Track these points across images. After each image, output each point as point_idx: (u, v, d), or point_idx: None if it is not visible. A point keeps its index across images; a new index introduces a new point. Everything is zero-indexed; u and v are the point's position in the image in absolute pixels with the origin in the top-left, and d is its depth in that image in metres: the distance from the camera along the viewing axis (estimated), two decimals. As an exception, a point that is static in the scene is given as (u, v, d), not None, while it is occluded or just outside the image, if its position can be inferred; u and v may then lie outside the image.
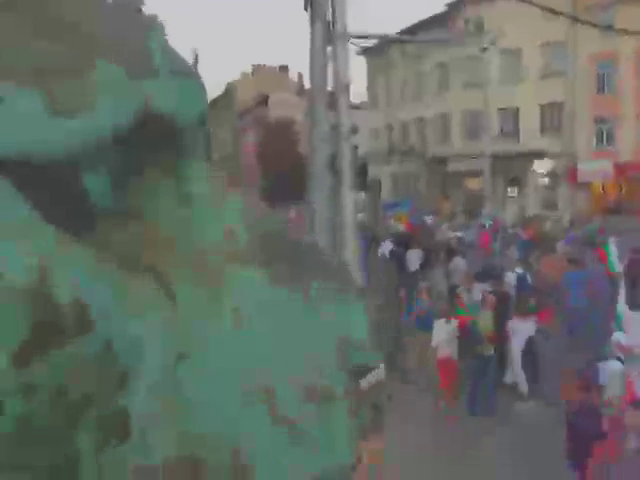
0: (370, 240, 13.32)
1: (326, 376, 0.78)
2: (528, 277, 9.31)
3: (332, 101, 8.20)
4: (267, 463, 0.69)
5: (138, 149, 0.64)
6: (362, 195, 29.78)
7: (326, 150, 8.35)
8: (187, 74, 0.71)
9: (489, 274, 9.09)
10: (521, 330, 7.48)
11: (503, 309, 7.69)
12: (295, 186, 35.30)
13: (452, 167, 33.48)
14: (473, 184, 30.27)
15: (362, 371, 0.86)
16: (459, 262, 10.86)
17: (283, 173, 40.52)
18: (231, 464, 0.66)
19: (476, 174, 25.72)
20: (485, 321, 7.29)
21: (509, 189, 32.53)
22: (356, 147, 34.83)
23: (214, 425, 0.65)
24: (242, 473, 0.67)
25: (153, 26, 0.70)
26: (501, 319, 7.51)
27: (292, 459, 0.72)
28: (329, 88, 8.41)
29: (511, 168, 30.75)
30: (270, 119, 49.90)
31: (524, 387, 7.42)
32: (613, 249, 9.51)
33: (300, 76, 52.57)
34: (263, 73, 56.80)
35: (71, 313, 0.55)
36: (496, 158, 24.09)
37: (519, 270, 9.39)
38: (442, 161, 34.21)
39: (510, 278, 9.09)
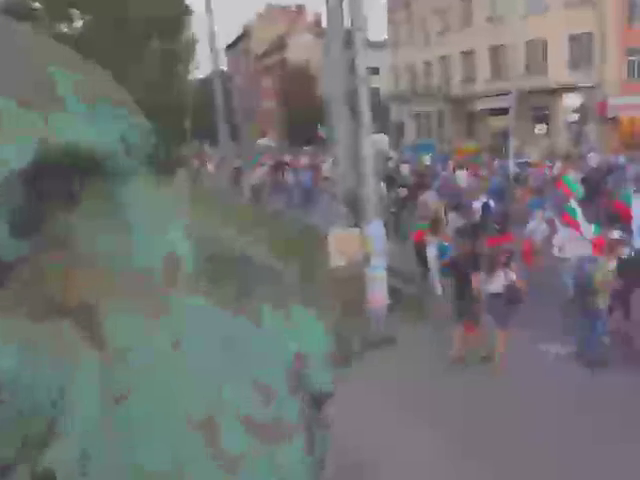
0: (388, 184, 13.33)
1: (276, 405, 0.73)
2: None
3: (349, 41, 7.97)
4: None
5: (51, 183, 0.60)
6: (383, 137, 29.29)
7: (344, 92, 8.18)
8: (105, 102, 0.66)
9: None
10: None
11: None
12: (313, 129, 34.97)
13: (477, 106, 32.57)
14: (499, 122, 29.47)
15: (318, 397, 0.80)
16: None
17: (301, 116, 39.97)
18: None
19: (502, 112, 24.98)
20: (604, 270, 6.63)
21: (537, 126, 31.62)
22: (377, 88, 34.01)
23: (158, 464, 0.63)
24: None
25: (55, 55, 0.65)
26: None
27: None
28: (346, 27, 8.16)
29: (539, 104, 29.79)
30: (287, 61, 48.83)
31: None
32: None
33: (317, 16, 50.98)
34: (279, 14, 55.20)
35: None
36: (523, 94, 23.31)
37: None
38: (467, 100, 33.28)
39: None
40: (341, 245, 7.87)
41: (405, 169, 17.43)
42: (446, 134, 34.47)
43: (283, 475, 0.72)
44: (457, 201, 11.37)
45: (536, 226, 9.24)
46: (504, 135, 22.78)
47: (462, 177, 15.87)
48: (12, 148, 0.56)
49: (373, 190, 8.12)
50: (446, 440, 5.14)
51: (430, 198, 11.51)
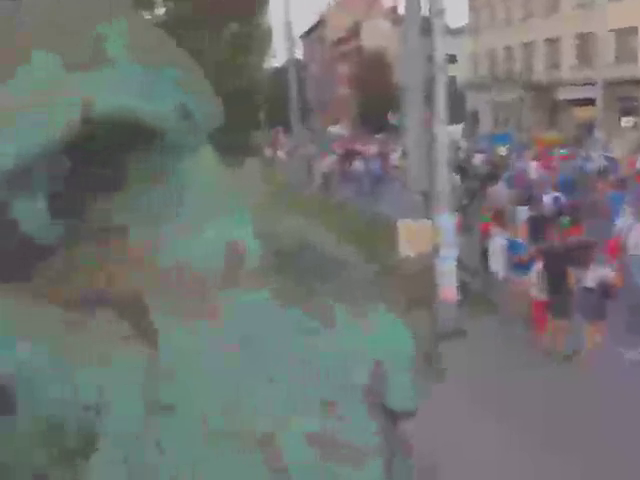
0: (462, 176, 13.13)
1: (350, 426, 0.61)
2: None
3: (427, 27, 7.79)
4: None
5: (96, 159, 0.53)
6: (457, 127, 28.56)
7: (420, 80, 8.03)
8: (165, 65, 0.56)
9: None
10: None
11: None
12: (385, 117, 34.63)
13: (561, 95, 31.10)
14: (584, 113, 28.01)
15: (398, 414, 0.68)
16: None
17: (374, 104, 39.71)
18: None
19: (587, 102, 23.71)
20: None
21: (623, 118, 29.82)
22: (454, 76, 33.15)
23: None
24: None
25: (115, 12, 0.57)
26: None
27: None
28: (424, 13, 7.98)
29: (627, 95, 28.05)
30: (362, 49, 48.55)
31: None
32: None
33: (394, 2, 50.20)
34: (355, 1, 54.82)
35: None
36: (610, 84, 22.01)
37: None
38: (550, 88, 31.84)
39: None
40: (411, 236, 7.77)
41: (478, 159, 17.04)
42: (525, 124, 33.16)
43: None
44: (527, 194, 11.11)
45: (624, 222, 8.78)
46: (588, 127, 21.66)
47: (533, 169, 15.42)
48: (57, 113, 0.49)
49: (445, 180, 7.95)
50: (519, 432, 5.04)
51: (499, 190, 11.22)
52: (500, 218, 8.75)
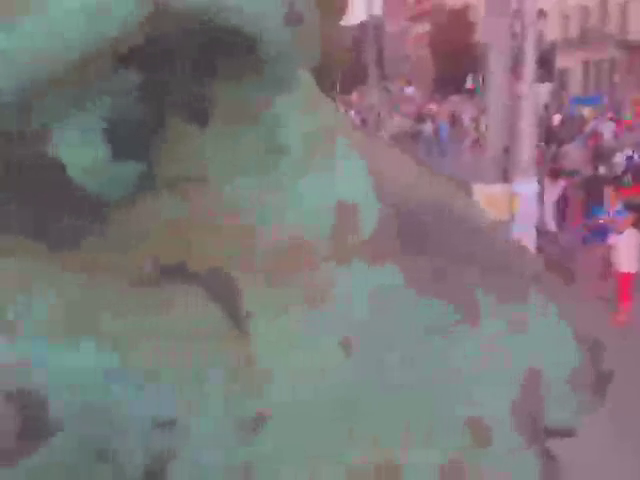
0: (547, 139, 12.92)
1: (498, 453, 0.47)
2: None
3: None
4: None
5: (171, 75, 0.38)
6: (547, 86, 27.06)
7: (507, 38, 7.55)
8: None
9: None
10: None
11: None
12: (463, 78, 33.33)
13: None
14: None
15: (557, 433, 0.53)
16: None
17: (452, 64, 38.33)
18: None
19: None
20: None
21: None
22: (542, 33, 31.22)
23: None
24: None
25: None
26: None
27: None
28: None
29: None
30: (444, 5, 46.79)
31: None
32: None
33: (482, -47, 47.51)
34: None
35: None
36: None
37: None
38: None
39: None
40: (486, 202, 7.48)
41: (556, 120, 16.64)
42: (619, 85, 30.92)
43: None
44: (601, 152, 11.48)
45: None
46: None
47: (609, 129, 15.29)
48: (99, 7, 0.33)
49: (528, 145, 7.52)
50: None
51: (572, 148, 11.29)
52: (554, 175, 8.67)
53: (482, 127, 14.56)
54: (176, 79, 0.38)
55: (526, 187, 7.33)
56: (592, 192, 8.31)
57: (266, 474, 0.41)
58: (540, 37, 12.46)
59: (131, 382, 0.37)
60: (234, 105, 0.40)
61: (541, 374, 0.49)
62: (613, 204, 7.57)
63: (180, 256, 0.40)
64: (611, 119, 16.65)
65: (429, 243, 0.48)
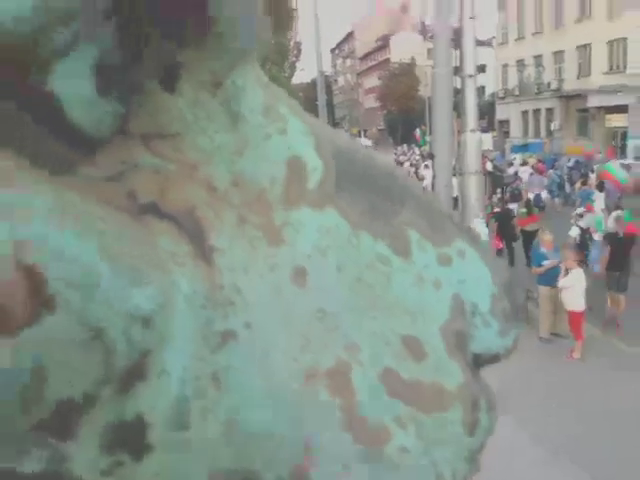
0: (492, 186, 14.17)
1: (430, 366, 0.54)
2: None
3: (456, 39, 7.91)
4: None
5: (147, 30, 0.42)
6: (488, 137, 28.48)
7: (449, 91, 8.12)
8: None
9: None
10: None
11: None
12: (411, 128, 34.65)
13: (592, 103, 30.69)
14: (616, 121, 27.57)
15: (483, 358, 0.60)
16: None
17: (400, 116, 39.72)
18: None
19: (620, 110, 23.33)
20: None
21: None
22: (483, 86, 33.01)
23: (269, 425, 0.47)
24: None
25: None
26: None
27: None
28: (453, 24, 8.10)
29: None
30: (390, 61, 48.80)
31: None
32: None
33: (422, 14, 50.37)
34: (383, 14, 55.07)
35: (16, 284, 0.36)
36: (643, 91, 21.64)
37: None
38: (580, 97, 31.46)
39: None
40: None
41: (489, 167, 18.50)
42: (556, 133, 32.79)
43: (434, 456, 0.53)
44: (518, 193, 14.11)
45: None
46: (623, 135, 21.28)
47: (525, 173, 17.93)
48: None
49: (475, 187, 8.02)
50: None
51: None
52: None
53: (421, 172, 16.95)
54: (150, 48, 0.43)
55: (478, 226, 7.77)
56: (503, 224, 10.73)
57: (231, 384, 0.47)
58: (480, 90, 13.67)
59: (113, 281, 0.41)
60: (199, 78, 0.46)
61: (464, 301, 0.58)
62: (549, 247, 7.86)
63: (153, 197, 0.47)
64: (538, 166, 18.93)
65: (362, 190, 0.57)
